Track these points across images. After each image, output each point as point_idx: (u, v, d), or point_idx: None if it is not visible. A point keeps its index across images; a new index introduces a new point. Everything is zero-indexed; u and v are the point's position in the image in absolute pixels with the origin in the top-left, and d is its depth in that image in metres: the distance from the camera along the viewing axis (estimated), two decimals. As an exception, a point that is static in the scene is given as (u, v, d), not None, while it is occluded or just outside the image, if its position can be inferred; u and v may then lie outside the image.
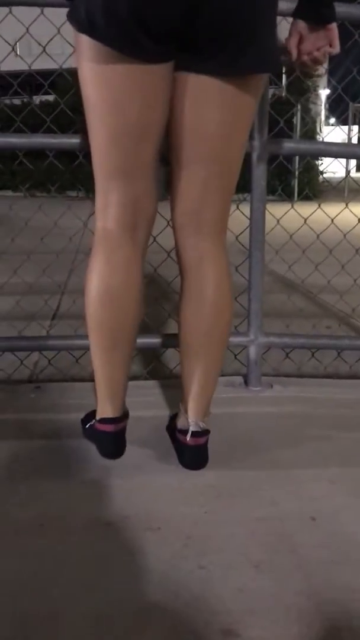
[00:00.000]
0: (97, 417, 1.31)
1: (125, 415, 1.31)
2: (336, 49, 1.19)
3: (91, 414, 1.39)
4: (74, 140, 1.53)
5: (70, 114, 2.01)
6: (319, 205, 1.89)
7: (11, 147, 1.56)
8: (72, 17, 1.07)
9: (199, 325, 1.25)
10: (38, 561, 0.98)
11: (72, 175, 8.99)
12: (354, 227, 2.01)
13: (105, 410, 1.29)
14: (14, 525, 1.08)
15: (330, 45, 1.19)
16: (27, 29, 1.74)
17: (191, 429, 1.27)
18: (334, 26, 1.18)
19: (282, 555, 1.00)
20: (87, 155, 1.30)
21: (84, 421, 1.41)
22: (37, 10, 1.57)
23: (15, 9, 1.56)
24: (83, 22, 1.04)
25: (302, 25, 1.19)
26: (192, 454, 1.29)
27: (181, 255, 1.26)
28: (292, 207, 1.90)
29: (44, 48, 1.74)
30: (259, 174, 1.61)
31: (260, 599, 0.90)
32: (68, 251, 3.69)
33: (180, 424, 1.31)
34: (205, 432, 1.28)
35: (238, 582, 0.94)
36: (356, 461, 1.31)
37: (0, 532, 1.06)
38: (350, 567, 0.97)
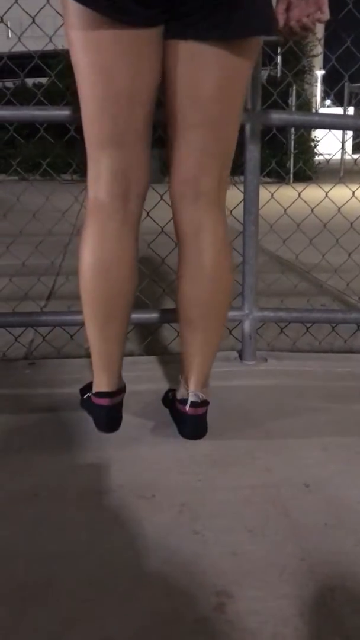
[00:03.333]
0: (93, 391, 1.31)
1: (121, 390, 1.31)
2: (325, 15, 1.15)
3: (90, 385, 1.39)
4: (64, 112, 1.51)
5: (65, 94, 1.98)
6: (312, 180, 1.87)
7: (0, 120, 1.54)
8: None
9: (197, 296, 1.24)
10: (33, 529, 0.99)
11: (67, 155, 8.96)
12: (349, 199, 2.00)
13: (100, 384, 1.29)
14: (8, 495, 1.08)
15: (320, 11, 1.16)
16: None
17: (190, 399, 1.28)
18: None
19: (275, 520, 1.01)
20: (79, 129, 1.27)
21: (83, 391, 1.41)
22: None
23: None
24: None
25: None
26: (191, 423, 1.29)
27: (178, 226, 1.25)
28: (286, 182, 1.89)
29: (33, 19, 1.71)
30: (253, 146, 1.60)
31: (254, 561, 0.91)
32: (64, 233, 3.68)
33: (180, 394, 1.31)
34: (204, 403, 1.29)
35: (232, 546, 0.94)
36: (349, 430, 1.32)
37: (-5, 501, 1.06)
38: (342, 530, 0.98)
